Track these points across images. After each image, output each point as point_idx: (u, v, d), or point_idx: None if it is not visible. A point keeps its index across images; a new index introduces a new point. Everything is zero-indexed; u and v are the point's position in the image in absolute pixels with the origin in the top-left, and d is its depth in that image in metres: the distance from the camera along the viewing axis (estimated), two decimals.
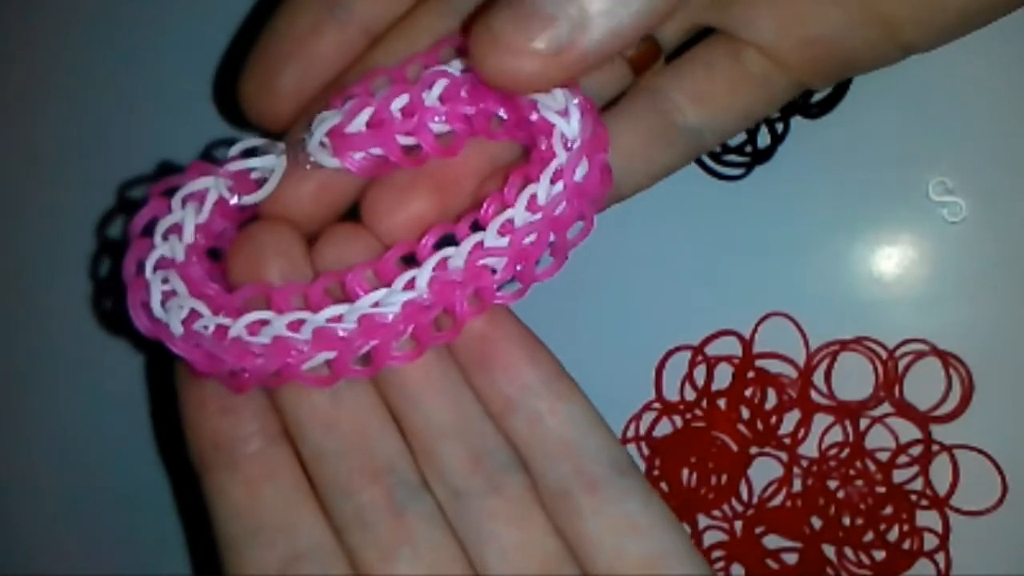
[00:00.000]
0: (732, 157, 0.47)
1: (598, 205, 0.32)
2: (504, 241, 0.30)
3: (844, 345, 0.46)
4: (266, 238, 0.30)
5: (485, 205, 0.30)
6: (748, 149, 0.47)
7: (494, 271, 0.30)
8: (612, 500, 0.28)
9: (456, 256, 0.30)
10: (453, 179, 0.32)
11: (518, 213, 0.30)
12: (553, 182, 0.30)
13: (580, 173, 0.30)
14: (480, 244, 0.30)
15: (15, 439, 0.58)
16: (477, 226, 0.31)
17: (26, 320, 0.58)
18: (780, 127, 0.46)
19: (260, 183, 0.32)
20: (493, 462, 0.28)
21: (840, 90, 0.46)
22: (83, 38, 0.53)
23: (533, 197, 0.30)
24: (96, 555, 0.56)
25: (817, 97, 0.46)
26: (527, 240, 0.30)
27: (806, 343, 0.46)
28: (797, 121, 0.46)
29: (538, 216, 0.30)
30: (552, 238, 0.31)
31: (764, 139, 0.47)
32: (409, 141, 0.32)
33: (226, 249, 0.31)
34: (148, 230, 0.31)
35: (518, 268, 0.30)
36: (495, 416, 0.29)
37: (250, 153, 0.32)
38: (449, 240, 0.31)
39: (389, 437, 0.29)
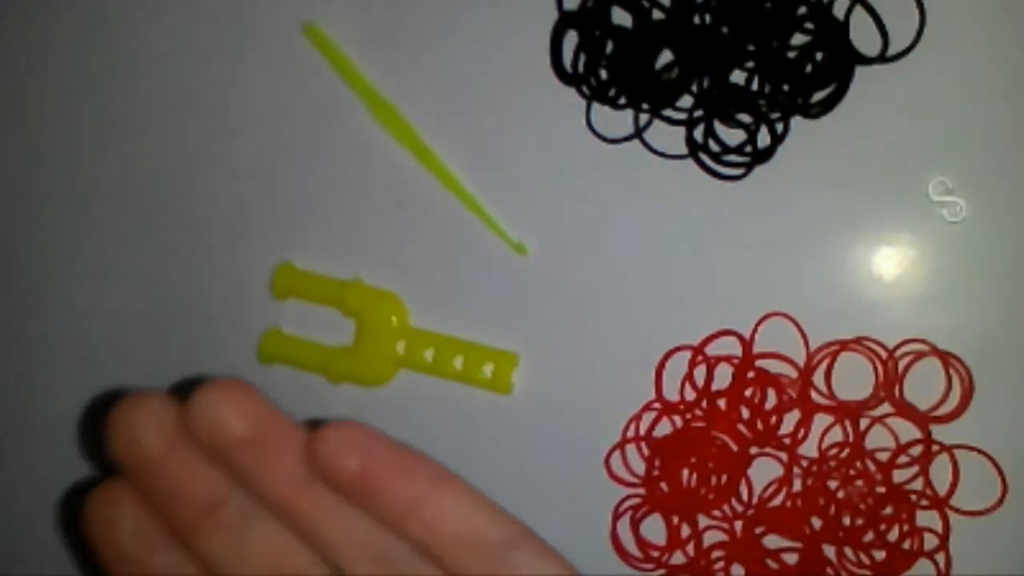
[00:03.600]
0: (732, 157, 0.47)
1: None
2: None
3: (844, 345, 0.46)
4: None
5: None
6: (748, 149, 0.47)
7: None
8: (513, 569, 0.29)
9: None
10: None
11: None
12: None
13: None
14: None
15: (16, 439, 0.58)
16: None
17: (24, 320, 0.58)
18: (780, 127, 0.46)
19: None
20: (396, 557, 0.29)
21: (840, 90, 0.46)
22: None
23: None
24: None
25: (817, 97, 0.46)
26: None
27: (806, 343, 0.46)
28: (797, 121, 0.46)
29: None
30: None
31: (764, 139, 0.47)
32: None
33: None
34: None
35: None
36: (394, 529, 0.30)
37: None
38: None
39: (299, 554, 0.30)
